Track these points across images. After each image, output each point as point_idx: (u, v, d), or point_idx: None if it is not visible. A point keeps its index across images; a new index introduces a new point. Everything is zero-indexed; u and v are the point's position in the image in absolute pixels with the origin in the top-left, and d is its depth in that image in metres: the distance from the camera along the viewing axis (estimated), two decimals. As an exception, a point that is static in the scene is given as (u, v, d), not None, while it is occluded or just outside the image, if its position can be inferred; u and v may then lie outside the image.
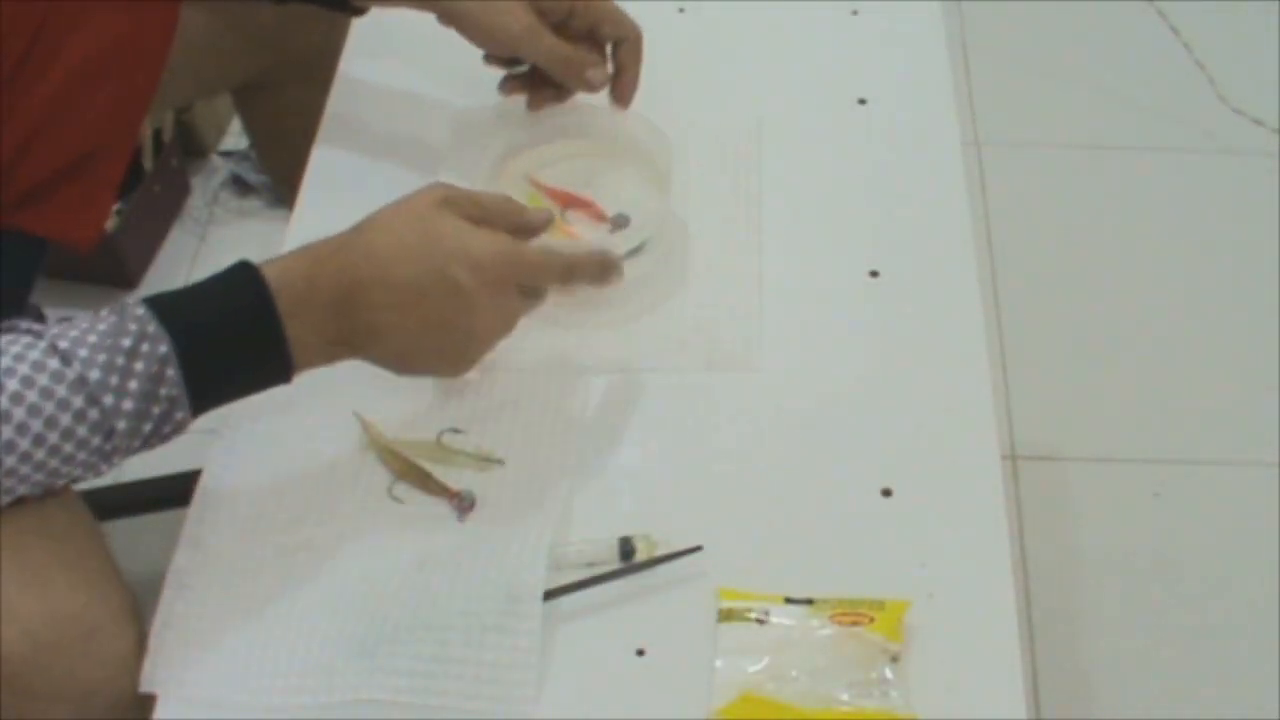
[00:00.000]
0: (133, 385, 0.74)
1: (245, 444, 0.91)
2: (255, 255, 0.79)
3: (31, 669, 0.77)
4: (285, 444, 0.90)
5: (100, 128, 1.06)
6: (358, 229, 0.81)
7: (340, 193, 1.05)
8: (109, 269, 1.86)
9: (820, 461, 0.88)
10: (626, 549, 0.83)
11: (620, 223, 1.00)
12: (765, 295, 0.97)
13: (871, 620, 0.78)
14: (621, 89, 1.03)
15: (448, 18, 1.00)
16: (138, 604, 0.84)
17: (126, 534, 1.30)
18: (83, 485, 0.82)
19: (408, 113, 1.12)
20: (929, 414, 0.90)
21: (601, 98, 1.04)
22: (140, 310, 0.75)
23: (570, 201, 1.02)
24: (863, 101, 1.10)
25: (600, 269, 0.87)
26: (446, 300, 0.79)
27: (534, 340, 0.94)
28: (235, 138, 2.02)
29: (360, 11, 1.06)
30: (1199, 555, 1.60)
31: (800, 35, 1.16)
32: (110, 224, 1.77)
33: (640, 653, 0.80)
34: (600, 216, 1.01)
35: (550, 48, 0.99)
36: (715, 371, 0.93)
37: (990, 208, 1.95)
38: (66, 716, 0.81)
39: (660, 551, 0.82)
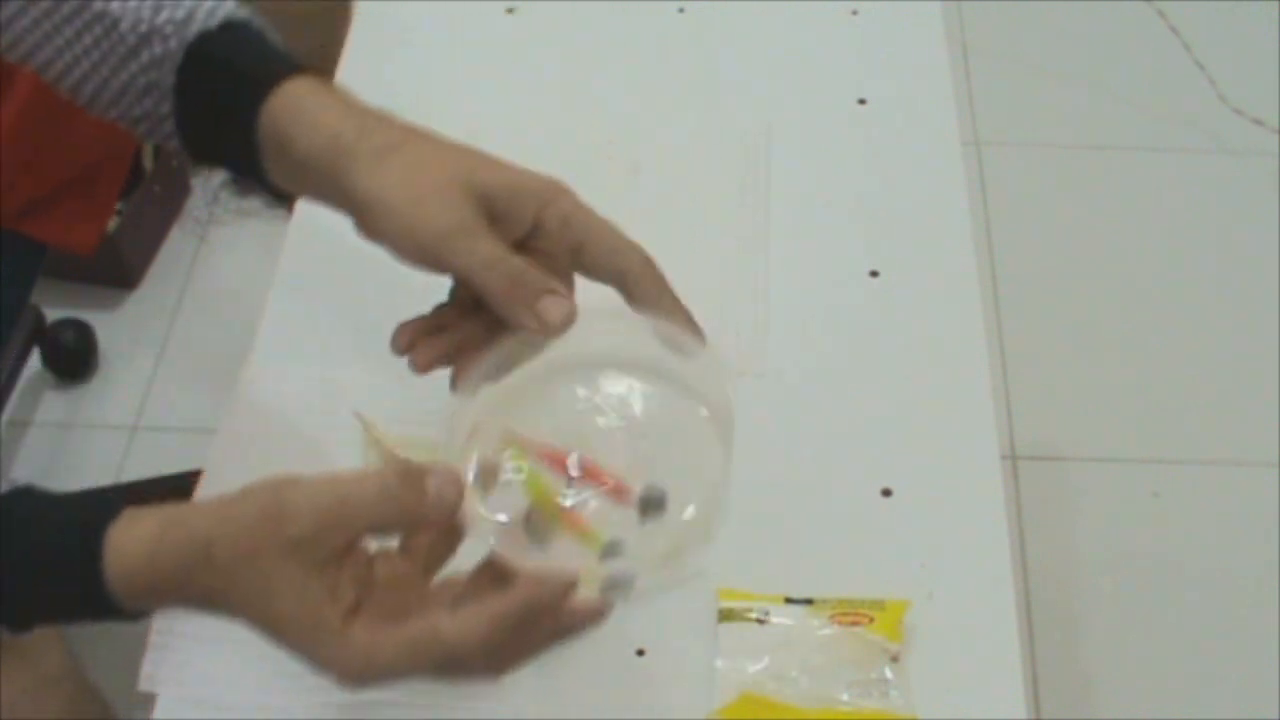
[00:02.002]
0: None
1: (245, 444, 0.91)
2: (255, 255, 0.79)
3: None
4: (285, 444, 0.90)
5: (101, 139, 1.06)
6: (208, 560, 0.63)
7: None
8: (109, 269, 1.86)
9: (820, 461, 0.88)
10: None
11: (651, 504, 0.68)
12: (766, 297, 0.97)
13: (871, 620, 0.78)
14: (669, 320, 0.72)
15: (359, 209, 0.71)
16: (69, 661, 0.83)
17: (126, 534, 1.31)
18: (84, 486, 0.82)
19: (409, 115, 1.12)
20: (929, 414, 0.90)
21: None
22: None
23: (574, 467, 0.69)
24: (863, 101, 1.10)
25: (578, 617, 0.63)
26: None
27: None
28: (235, 138, 2.02)
29: (278, 192, 0.80)
30: (1199, 555, 1.60)
31: (800, 36, 1.16)
32: (110, 224, 1.77)
33: (640, 653, 0.80)
34: (620, 492, 0.69)
35: (488, 256, 0.68)
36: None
37: (990, 208, 1.95)
38: None
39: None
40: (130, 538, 0.64)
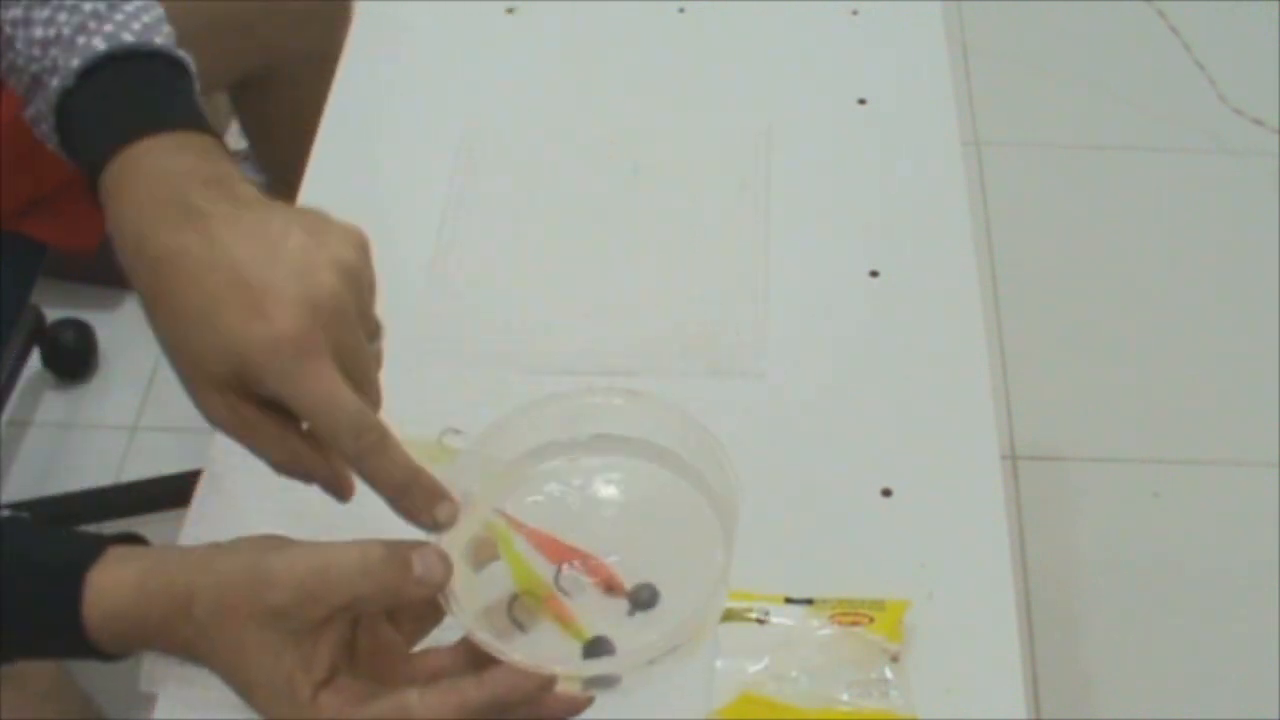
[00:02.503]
0: None
1: (245, 444, 0.90)
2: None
3: None
4: (285, 444, 0.90)
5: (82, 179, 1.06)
6: (187, 613, 0.62)
7: (340, 192, 1.05)
8: (109, 269, 1.84)
9: (820, 461, 0.88)
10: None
11: (642, 601, 0.66)
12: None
13: (871, 620, 0.78)
14: (402, 505, 0.65)
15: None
16: (61, 674, 0.82)
17: (126, 534, 1.30)
18: (84, 486, 0.82)
19: (410, 112, 1.12)
20: (929, 414, 0.90)
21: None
22: None
23: (564, 554, 0.67)
24: (863, 101, 1.10)
25: (557, 708, 0.62)
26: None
27: (536, 345, 0.94)
28: (235, 138, 2.02)
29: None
30: (1199, 555, 1.60)
31: (800, 36, 1.16)
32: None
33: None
34: (612, 584, 0.67)
35: (262, 445, 0.67)
36: (717, 374, 0.93)
37: (990, 208, 1.95)
38: None
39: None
40: (112, 582, 0.63)
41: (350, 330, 0.65)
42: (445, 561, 0.62)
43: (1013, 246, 1.89)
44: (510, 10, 1.18)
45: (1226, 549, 1.61)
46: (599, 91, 1.11)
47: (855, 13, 1.18)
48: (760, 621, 0.79)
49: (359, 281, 0.66)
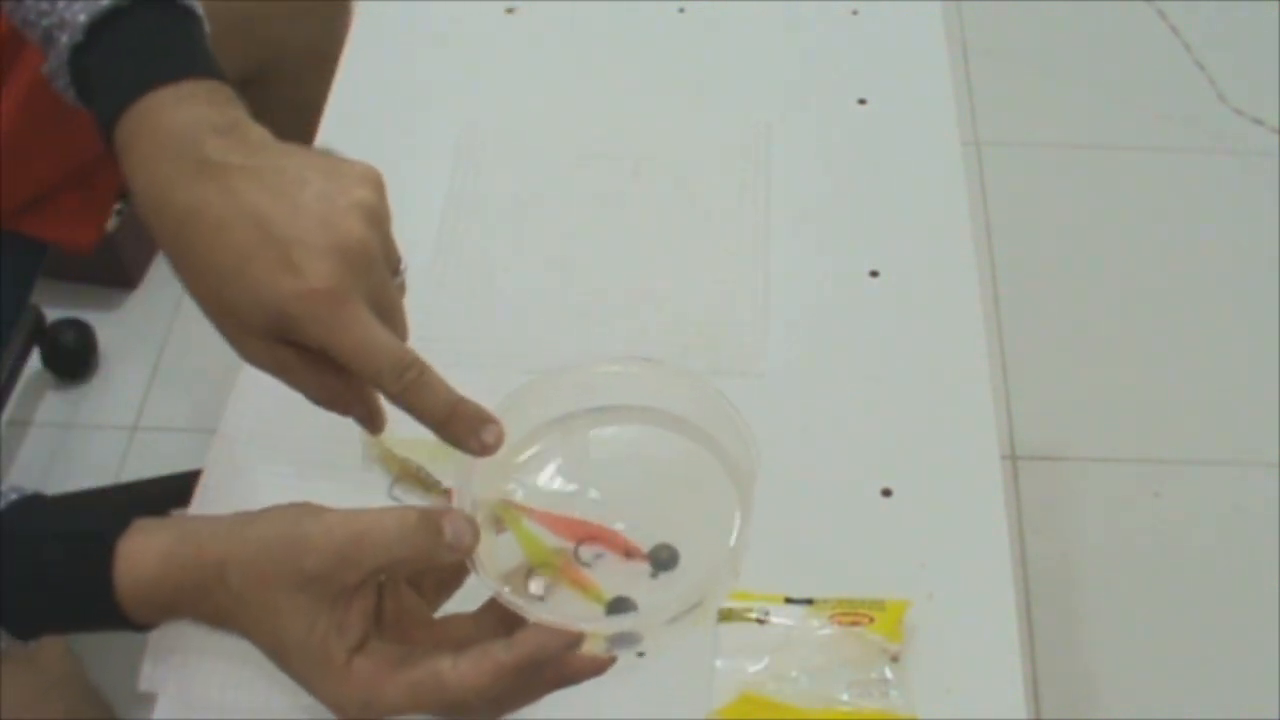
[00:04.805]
0: None
1: (245, 444, 0.91)
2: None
3: None
4: (285, 444, 0.90)
5: (97, 136, 1.06)
6: (220, 580, 0.63)
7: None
8: (109, 269, 1.86)
9: (820, 461, 0.88)
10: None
11: (662, 561, 0.67)
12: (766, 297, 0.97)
13: (871, 620, 0.78)
14: (450, 432, 0.68)
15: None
16: (72, 663, 0.82)
17: (126, 534, 1.30)
18: (84, 486, 0.82)
19: (410, 112, 1.12)
20: (929, 414, 0.90)
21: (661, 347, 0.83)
22: None
23: (577, 531, 0.68)
24: (863, 101, 1.10)
25: (581, 669, 0.63)
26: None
27: (536, 344, 0.94)
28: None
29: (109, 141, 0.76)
30: (1199, 555, 1.60)
31: (800, 35, 1.16)
32: (110, 224, 1.77)
33: (640, 653, 0.79)
34: (630, 551, 0.68)
35: (301, 386, 0.71)
36: (717, 374, 0.93)
37: (990, 208, 1.95)
38: None
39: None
40: (141, 551, 0.64)
41: (378, 271, 0.67)
42: (473, 526, 0.63)
43: (1013, 246, 1.89)
44: (510, 10, 1.18)
45: (1226, 549, 1.61)
46: (599, 92, 1.11)
47: (855, 13, 1.18)
48: (760, 621, 0.79)
49: (381, 221, 0.68)
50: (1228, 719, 1.46)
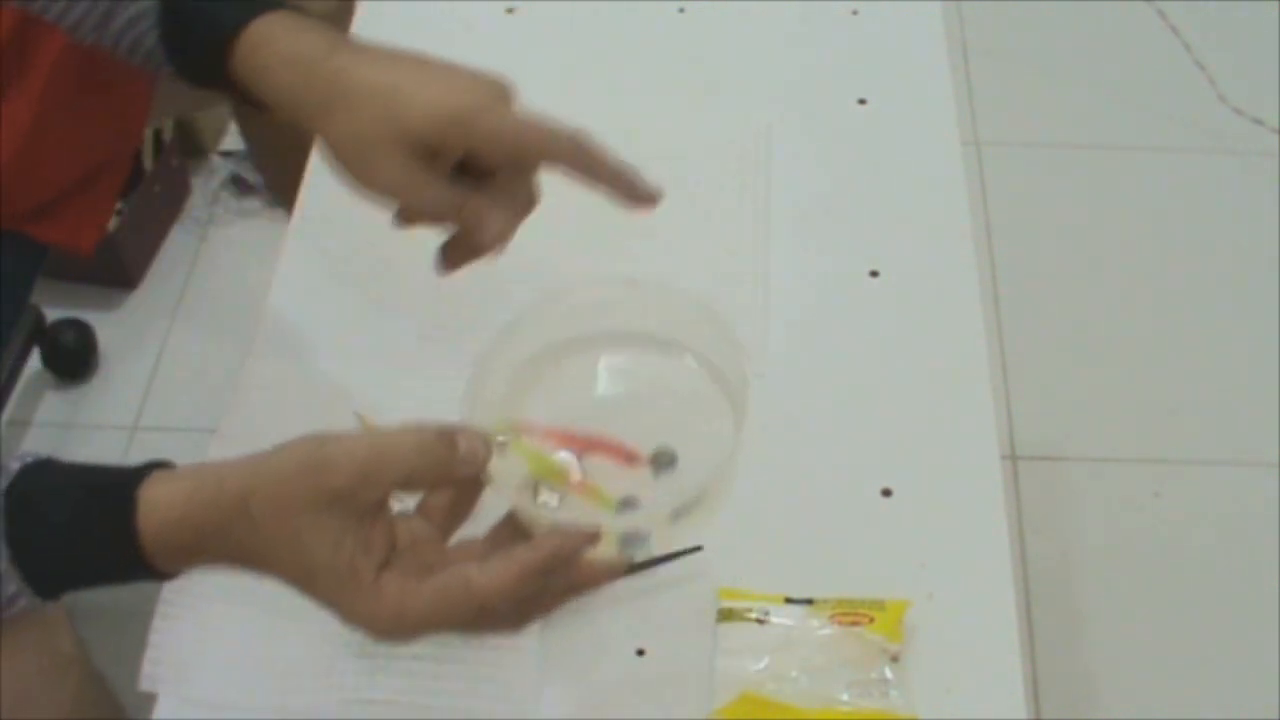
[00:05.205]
0: None
1: (245, 443, 0.90)
2: (255, 255, 0.79)
3: None
4: (285, 444, 0.90)
5: (104, 143, 1.06)
6: (243, 513, 0.64)
7: (340, 194, 1.04)
8: (109, 269, 1.86)
9: (820, 461, 0.88)
10: (627, 549, 0.82)
11: (663, 461, 0.71)
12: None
13: (871, 620, 0.78)
14: (620, 188, 0.79)
15: (326, 157, 0.79)
16: (78, 647, 0.82)
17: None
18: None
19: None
20: (929, 414, 0.90)
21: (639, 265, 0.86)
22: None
23: (577, 444, 0.71)
24: (863, 101, 1.10)
25: (597, 573, 0.66)
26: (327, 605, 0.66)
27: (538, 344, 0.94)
28: (235, 138, 2.02)
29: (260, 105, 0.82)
30: (1199, 555, 1.60)
31: (800, 35, 1.16)
32: (110, 224, 1.77)
33: (640, 653, 0.80)
34: (630, 458, 0.71)
35: (434, 200, 0.77)
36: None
37: (990, 208, 1.95)
38: None
39: (660, 552, 0.82)
40: (163, 494, 0.65)
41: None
42: (486, 442, 0.65)
43: (1013, 246, 1.89)
44: (510, 10, 1.18)
45: (1226, 549, 1.61)
46: (599, 91, 1.11)
47: (855, 13, 1.18)
48: (760, 621, 0.79)
49: None
50: (1227, 719, 1.46)
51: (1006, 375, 1.75)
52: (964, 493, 0.86)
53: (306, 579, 0.63)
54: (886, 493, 0.86)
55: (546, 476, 0.69)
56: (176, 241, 1.95)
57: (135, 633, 0.82)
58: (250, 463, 0.65)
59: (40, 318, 1.72)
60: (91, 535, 0.65)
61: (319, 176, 1.06)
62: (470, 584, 0.62)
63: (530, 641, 0.79)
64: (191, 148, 2.01)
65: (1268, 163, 2.02)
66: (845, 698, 0.76)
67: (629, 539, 0.67)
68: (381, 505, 0.64)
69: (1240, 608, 1.55)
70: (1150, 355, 1.80)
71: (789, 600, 0.80)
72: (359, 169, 0.76)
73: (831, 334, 0.95)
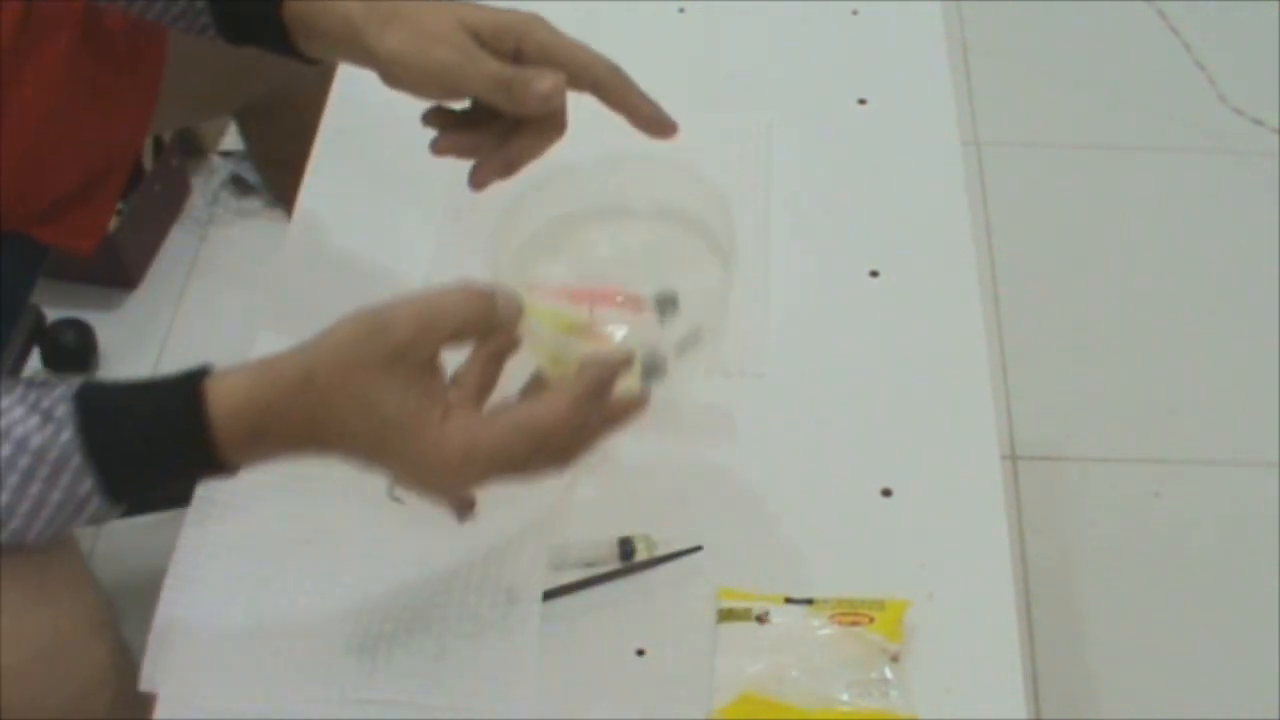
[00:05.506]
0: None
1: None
2: (255, 255, 0.79)
3: None
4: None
5: (105, 146, 1.06)
6: (309, 384, 0.68)
7: (340, 196, 1.05)
8: (109, 269, 1.86)
9: (820, 461, 0.88)
10: (626, 549, 0.83)
11: (666, 303, 0.80)
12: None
13: (871, 620, 0.78)
14: (645, 117, 0.86)
15: (381, 67, 0.84)
16: (111, 611, 0.83)
17: (126, 534, 1.30)
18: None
19: (410, 114, 1.12)
20: (929, 414, 0.90)
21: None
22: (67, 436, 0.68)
23: (589, 298, 0.80)
24: (863, 101, 1.10)
25: (626, 407, 0.73)
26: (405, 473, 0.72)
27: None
28: (235, 138, 2.02)
29: (313, 61, 0.90)
30: (1199, 555, 1.60)
31: (800, 35, 1.16)
32: (110, 224, 1.77)
33: (640, 653, 0.80)
34: (636, 305, 0.80)
35: (493, 72, 0.81)
36: (717, 374, 0.93)
37: (990, 208, 1.95)
38: None
39: (660, 551, 0.83)
40: (226, 384, 0.69)
41: None
42: (519, 299, 0.72)
43: (1013, 246, 1.89)
44: (510, 10, 1.18)
45: (1226, 549, 1.60)
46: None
47: (855, 12, 1.18)
48: (760, 621, 0.79)
49: None
50: (1228, 719, 1.46)
51: (1006, 375, 1.75)
52: (964, 493, 0.86)
53: (376, 437, 0.68)
54: (886, 493, 0.86)
55: (566, 330, 0.76)
56: (176, 241, 1.95)
57: (135, 631, 0.82)
58: (305, 346, 0.69)
59: (40, 318, 1.72)
60: (164, 423, 0.68)
61: (319, 176, 1.06)
62: (534, 412, 0.68)
63: (529, 642, 0.79)
64: (191, 148, 2.01)
65: (1268, 163, 2.02)
66: (845, 698, 0.76)
67: (648, 369, 0.75)
68: (435, 360, 0.69)
69: (1240, 608, 1.55)
70: (1150, 355, 1.80)
71: (789, 600, 0.80)
72: (417, 53, 0.81)
73: (831, 334, 0.95)
